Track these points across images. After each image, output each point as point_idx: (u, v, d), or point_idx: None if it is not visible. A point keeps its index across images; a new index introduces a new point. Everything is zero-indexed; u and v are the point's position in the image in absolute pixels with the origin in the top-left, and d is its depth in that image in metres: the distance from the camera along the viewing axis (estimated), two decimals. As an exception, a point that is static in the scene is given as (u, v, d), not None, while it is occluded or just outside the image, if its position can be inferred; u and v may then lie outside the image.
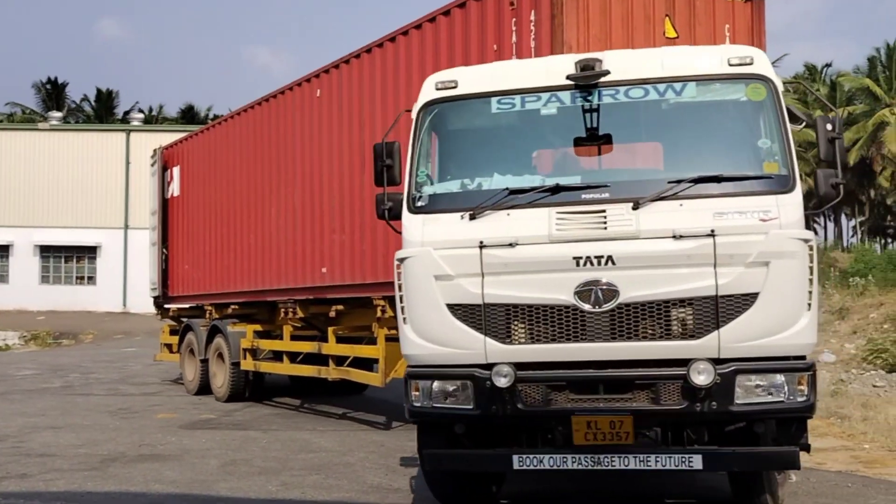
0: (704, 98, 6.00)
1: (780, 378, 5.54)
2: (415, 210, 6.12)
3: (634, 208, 5.65)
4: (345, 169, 11.25)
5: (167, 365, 20.57)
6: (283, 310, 12.19)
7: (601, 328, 5.60)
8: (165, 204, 16.06)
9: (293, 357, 12.35)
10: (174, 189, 15.72)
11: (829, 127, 5.85)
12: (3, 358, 25.45)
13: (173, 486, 8.21)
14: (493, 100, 6.21)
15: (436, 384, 5.91)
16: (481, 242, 5.78)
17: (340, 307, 11.44)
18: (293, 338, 12.34)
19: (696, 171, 5.74)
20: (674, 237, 5.56)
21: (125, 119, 53.85)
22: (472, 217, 5.88)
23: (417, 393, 5.98)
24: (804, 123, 6.00)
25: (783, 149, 5.76)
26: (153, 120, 58.73)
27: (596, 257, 5.61)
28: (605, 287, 5.59)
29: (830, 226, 69.00)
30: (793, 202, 5.63)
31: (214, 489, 8.05)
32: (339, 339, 11.76)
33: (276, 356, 12.85)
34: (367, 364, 11.63)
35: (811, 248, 5.58)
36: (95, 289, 42.07)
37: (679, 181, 5.66)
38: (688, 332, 5.54)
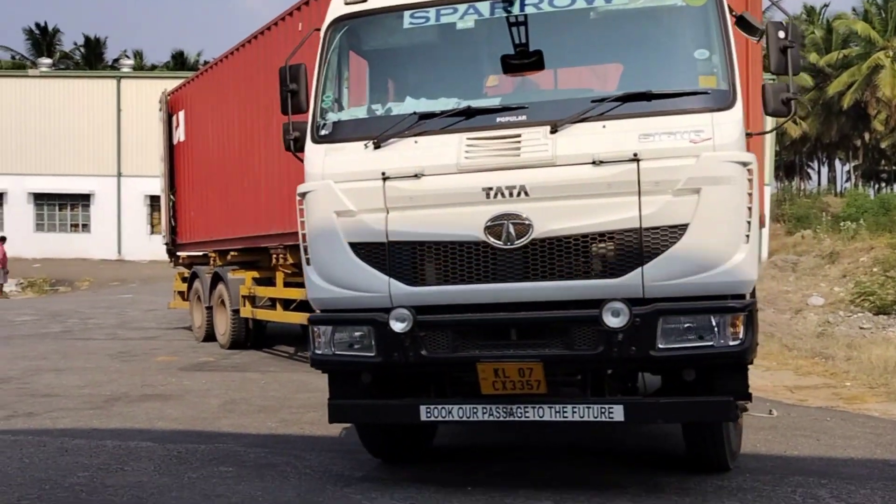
0: (637, 5, 5.41)
1: (709, 319, 4.97)
2: (318, 139, 5.61)
3: (552, 132, 5.12)
4: None
5: (164, 311, 20.84)
6: (274, 255, 12.02)
7: (513, 267, 5.14)
8: (172, 150, 16.02)
9: (287, 304, 12.14)
10: (180, 135, 15.61)
11: (780, 34, 5.18)
12: (2, 304, 25.65)
13: (176, 423, 8.48)
14: (406, 14, 5.66)
15: (338, 331, 5.53)
16: (384, 174, 5.30)
17: None
18: (287, 284, 12.22)
19: (625, 88, 5.22)
20: (593, 163, 5.02)
21: (114, 66, 53.40)
22: (377, 146, 5.38)
23: (320, 340, 5.61)
24: (761, 34, 5.33)
25: (724, 61, 5.14)
26: (142, 66, 58.22)
27: (507, 188, 5.11)
28: (517, 221, 5.09)
29: (824, 170, 69.08)
30: (731, 120, 5.03)
31: (216, 426, 8.31)
32: None
33: (273, 303, 12.81)
34: None
35: (750, 173, 5.03)
36: (90, 236, 42.14)
37: (602, 100, 5.14)
38: (608, 271, 5.05)
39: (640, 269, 5.00)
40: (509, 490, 5.79)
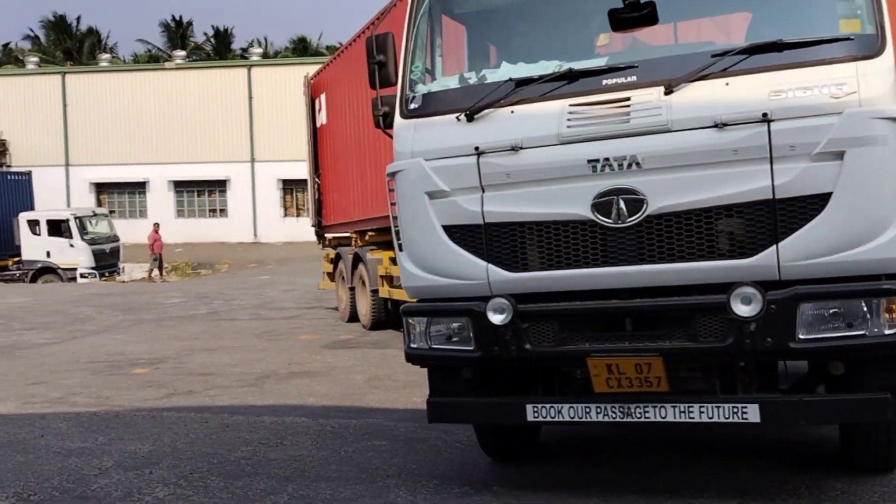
0: None
1: (859, 304, 4.33)
2: (407, 114, 5.12)
3: (667, 93, 4.52)
4: None
5: (301, 291, 21.59)
6: None
7: (625, 248, 4.59)
8: (315, 133, 16.41)
9: None
10: (322, 118, 15.94)
11: None
12: (150, 288, 27.08)
13: (326, 398, 8.80)
14: None
15: (434, 323, 5.09)
16: (477, 148, 4.81)
17: None
18: None
19: (753, 39, 4.58)
20: (715, 126, 4.40)
21: (244, 55, 55.17)
22: (469, 118, 4.86)
23: (415, 333, 5.16)
24: None
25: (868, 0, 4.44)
26: (267, 54, 59.94)
27: (616, 159, 4.54)
28: (628, 196, 4.54)
29: None
30: (880, 69, 4.34)
31: (364, 401, 8.58)
32: None
33: None
34: None
35: None
36: (227, 220, 43.95)
37: (724, 53, 4.49)
38: (737, 250, 4.44)
39: (774, 247, 4.37)
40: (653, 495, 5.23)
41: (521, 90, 4.81)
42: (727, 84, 4.47)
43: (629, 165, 4.54)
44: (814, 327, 4.37)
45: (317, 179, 16.44)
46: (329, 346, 12.69)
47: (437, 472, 5.85)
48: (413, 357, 5.27)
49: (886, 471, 5.31)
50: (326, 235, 16.71)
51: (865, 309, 4.33)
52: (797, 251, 4.35)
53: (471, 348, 4.96)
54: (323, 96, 15.81)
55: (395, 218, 5.16)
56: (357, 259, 14.01)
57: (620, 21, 4.75)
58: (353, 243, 14.55)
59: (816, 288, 4.38)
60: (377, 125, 5.26)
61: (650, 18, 4.71)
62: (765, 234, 4.40)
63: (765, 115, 4.34)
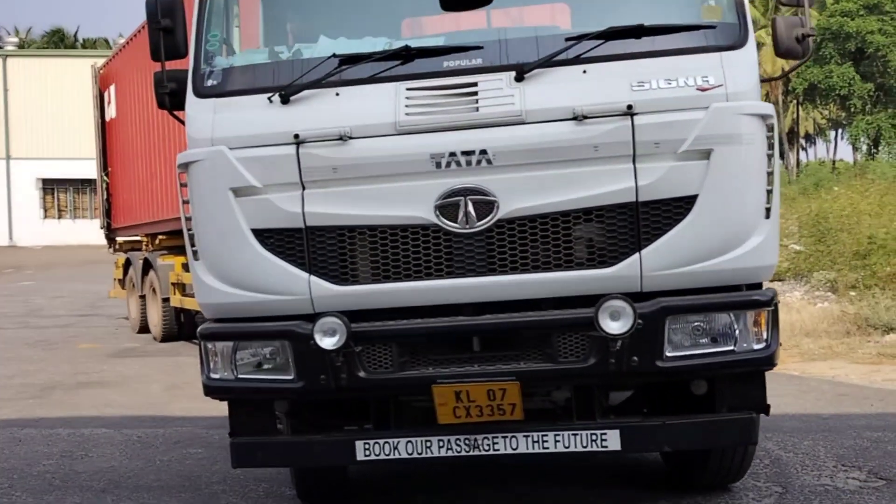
0: None
1: (728, 318, 4.04)
2: (203, 92, 4.27)
3: (518, 79, 4.02)
4: None
5: (71, 297, 20.33)
6: None
7: (473, 257, 4.04)
8: (104, 128, 15.45)
9: None
10: (112, 111, 15.03)
11: None
12: None
13: (125, 409, 8.41)
14: None
15: (240, 349, 4.25)
16: (297, 136, 4.07)
17: None
18: None
19: (609, 22, 4.10)
20: (574, 119, 3.95)
21: (-2, 44, 51.09)
22: (285, 100, 4.12)
23: (217, 360, 4.27)
24: None
25: None
26: (24, 45, 55.89)
27: (464, 153, 3.99)
28: (477, 197, 3.99)
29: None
30: (745, 61, 4.05)
31: (168, 410, 8.28)
32: None
33: None
34: None
35: (771, 129, 4.04)
36: (-23, 222, 40.45)
37: (580, 37, 4.05)
38: (596, 259, 4.03)
39: (636, 255, 3.98)
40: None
41: (347, 69, 4.13)
42: (584, 72, 4.04)
43: (478, 162, 4.00)
44: (681, 344, 4.03)
45: (106, 178, 15.52)
46: (115, 354, 12.10)
47: (263, 476, 5.77)
48: (214, 390, 4.35)
49: (722, 486, 5.09)
50: (117, 239, 15.78)
51: (734, 322, 4.04)
52: (660, 260, 3.98)
53: (290, 377, 4.19)
54: (112, 88, 14.96)
55: (188, 219, 4.28)
56: (147, 265, 13.29)
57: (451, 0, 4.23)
58: (144, 248, 13.91)
59: (684, 300, 4.02)
60: (161, 105, 4.42)
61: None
62: (627, 241, 4.00)
63: (630, 107, 3.94)
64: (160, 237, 12.99)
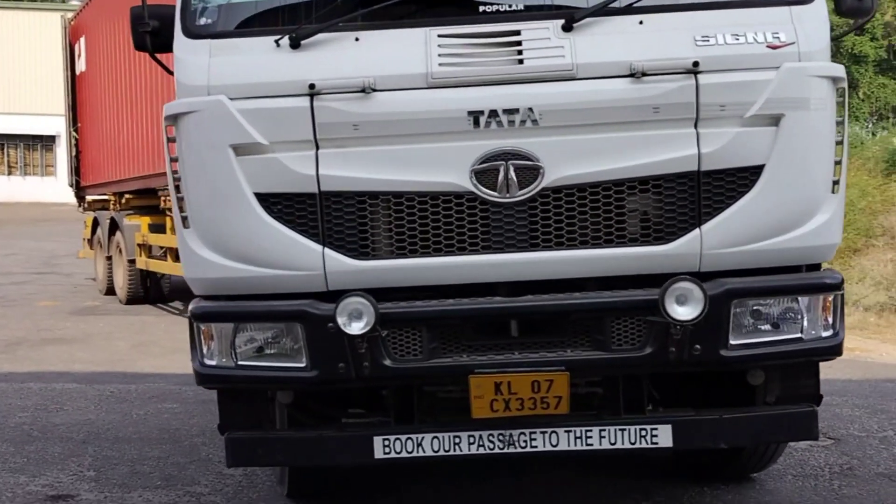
0: None
1: (794, 302, 3.70)
2: (195, 32, 3.73)
3: (567, 28, 3.57)
4: None
5: (25, 254, 20.08)
6: (162, 198, 10.92)
7: (514, 230, 3.60)
8: (74, 82, 15.06)
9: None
10: (82, 64, 14.63)
11: None
12: None
13: (93, 365, 8.45)
14: None
15: (242, 331, 3.70)
16: (312, 86, 3.55)
17: None
18: None
19: None
20: (632, 76, 3.53)
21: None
22: (296, 43, 3.60)
23: (212, 344, 3.71)
24: None
25: None
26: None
27: (506, 111, 3.53)
28: (520, 161, 3.54)
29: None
30: (816, 17, 3.65)
31: (136, 367, 8.34)
32: None
33: (166, 254, 11.70)
34: None
35: (842, 94, 3.67)
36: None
37: None
38: (651, 234, 3.63)
39: (696, 231, 3.60)
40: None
41: (367, 10, 3.66)
42: (640, 23, 3.61)
43: (522, 121, 3.53)
44: (745, 331, 3.66)
45: (75, 134, 15.15)
46: (76, 312, 12.05)
47: (241, 431, 5.94)
48: (208, 379, 3.78)
49: (745, 477, 4.85)
50: (86, 198, 15.31)
51: (801, 307, 3.70)
52: (721, 237, 3.61)
53: (301, 365, 3.66)
54: (83, 40, 14.55)
55: (177, 181, 3.74)
56: (114, 225, 12.96)
57: None
58: (112, 207, 13.54)
59: (751, 282, 3.66)
60: (140, 46, 3.90)
61: None
62: (686, 214, 3.60)
63: (696, 63, 3.52)
64: (127, 196, 12.73)
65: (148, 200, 12.11)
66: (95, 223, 14.23)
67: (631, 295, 3.63)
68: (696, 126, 3.58)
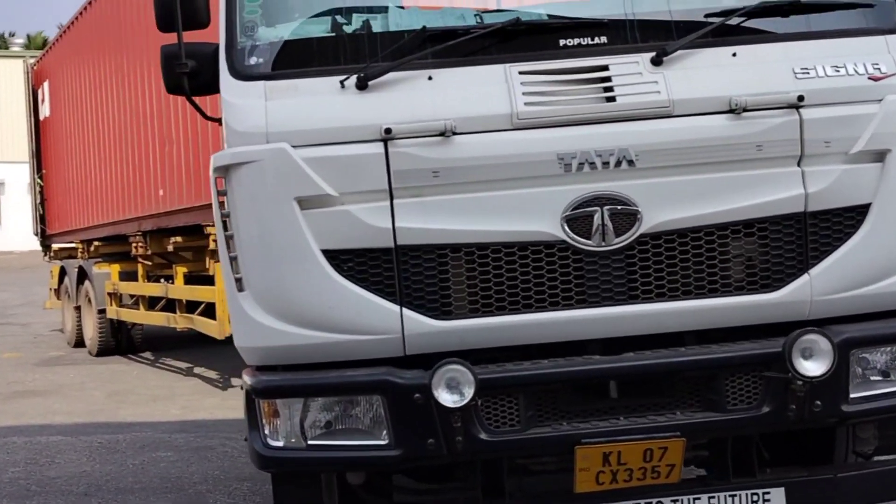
0: None
1: None
2: (245, 73, 3.45)
3: (657, 62, 3.37)
4: None
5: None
6: (133, 244, 10.71)
7: (610, 281, 3.35)
8: (38, 128, 14.81)
9: (154, 302, 10.65)
10: (45, 110, 14.43)
11: None
12: None
13: (73, 416, 8.31)
14: None
15: (312, 405, 3.39)
16: (388, 130, 3.28)
17: (179, 239, 9.55)
18: (150, 278, 10.83)
19: None
20: (732, 111, 3.33)
21: None
22: (363, 84, 3.34)
23: (277, 422, 3.40)
24: None
25: None
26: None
27: (599, 153, 3.30)
28: (616, 207, 3.31)
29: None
30: None
31: (118, 416, 8.23)
32: (193, 280, 9.81)
33: (137, 302, 11.25)
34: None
35: None
36: None
37: (727, 12, 3.45)
38: (758, 281, 3.40)
39: (806, 276, 3.40)
40: None
41: (438, 46, 3.39)
42: (734, 55, 3.43)
43: (617, 163, 3.30)
44: (863, 382, 3.45)
45: (39, 181, 14.88)
46: (43, 363, 11.85)
47: (244, 475, 5.86)
48: (277, 463, 3.45)
49: None
50: (52, 246, 14.98)
51: None
52: (831, 282, 3.40)
53: (383, 443, 3.33)
54: (46, 85, 14.38)
55: (229, 238, 3.43)
56: (83, 273, 12.52)
57: None
58: (80, 255, 13.20)
59: (869, 329, 3.45)
60: (174, 89, 3.62)
61: None
62: (794, 259, 3.41)
63: (801, 98, 3.33)
64: (96, 243, 12.38)
65: (118, 247, 11.80)
66: (63, 272, 13.84)
67: (749, 349, 3.38)
68: (799, 164, 3.38)
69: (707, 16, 3.48)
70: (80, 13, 12.58)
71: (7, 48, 46.90)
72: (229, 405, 8.46)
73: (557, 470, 3.53)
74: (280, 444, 3.39)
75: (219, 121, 3.67)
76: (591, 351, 3.42)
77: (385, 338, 3.33)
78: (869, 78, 3.40)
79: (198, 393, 9.25)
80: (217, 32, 3.57)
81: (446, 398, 3.17)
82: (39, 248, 15.72)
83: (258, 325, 3.40)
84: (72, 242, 13.85)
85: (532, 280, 3.33)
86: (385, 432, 3.31)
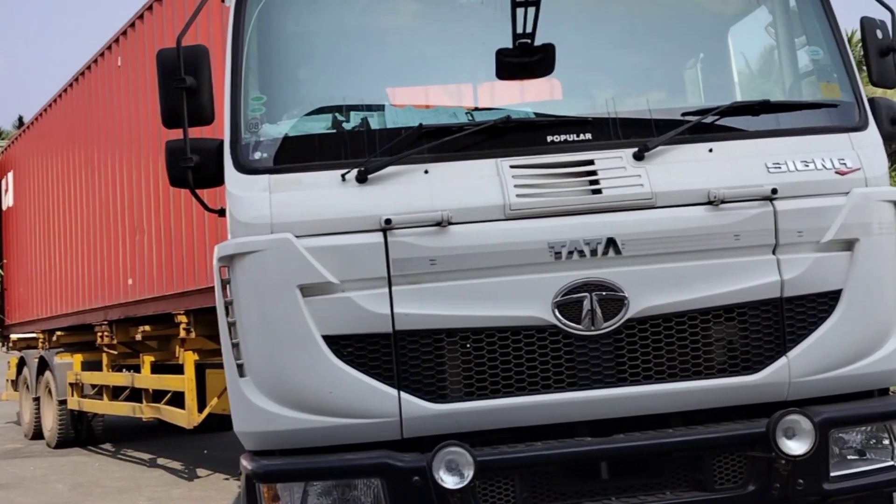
0: None
1: (884, 429, 3.69)
2: (250, 167, 3.65)
3: (639, 157, 3.62)
4: (143, 150, 9.27)
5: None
6: (98, 334, 10.79)
7: (600, 364, 3.54)
8: (0, 218, 14.79)
9: (118, 392, 10.67)
10: (9, 200, 14.44)
11: (878, 34, 4.01)
12: None
13: (38, 510, 8.23)
14: None
15: (312, 489, 3.49)
16: (388, 220, 3.49)
17: (147, 328, 9.61)
18: (115, 368, 10.83)
19: (726, 96, 3.97)
20: (710, 203, 3.57)
21: None
22: (362, 178, 3.56)
23: None
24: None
25: (842, 62, 3.90)
26: None
27: (587, 242, 3.51)
28: (604, 293, 3.51)
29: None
30: (874, 143, 3.80)
31: (84, 509, 8.17)
32: (161, 369, 9.79)
33: (101, 392, 11.21)
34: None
35: None
36: None
37: (703, 111, 3.75)
38: (739, 363, 3.61)
39: (784, 359, 3.61)
40: None
41: (432, 142, 3.63)
42: (710, 150, 3.70)
43: (605, 251, 3.52)
44: (843, 462, 3.63)
45: (0, 271, 14.83)
46: (0, 456, 11.64)
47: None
48: None
49: None
50: (11, 336, 14.79)
51: (893, 433, 3.70)
52: (807, 364, 3.62)
53: None
54: (10, 176, 14.46)
55: (231, 325, 3.60)
56: (43, 364, 12.41)
57: (514, 67, 3.81)
58: (41, 345, 13.07)
59: (845, 410, 3.65)
60: (178, 182, 3.80)
61: (546, 66, 3.81)
62: (772, 342, 3.62)
63: (774, 190, 3.61)
64: (58, 333, 12.35)
65: (81, 336, 11.80)
66: (22, 362, 13.70)
67: (734, 430, 3.55)
68: (774, 252, 3.64)
69: (684, 114, 3.79)
70: (49, 106, 12.80)
71: (-35, 139, 46.78)
72: (196, 496, 8.38)
73: None
74: None
75: (219, 212, 3.91)
76: (581, 433, 3.59)
77: (383, 421, 3.49)
78: (836, 172, 3.70)
79: (164, 484, 9.12)
80: (218, 128, 3.82)
81: (447, 480, 3.31)
82: (-3, 339, 15.59)
83: (259, 410, 3.55)
84: (32, 332, 13.71)
85: (525, 363, 3.53)
86: None
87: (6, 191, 14.75)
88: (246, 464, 3.60)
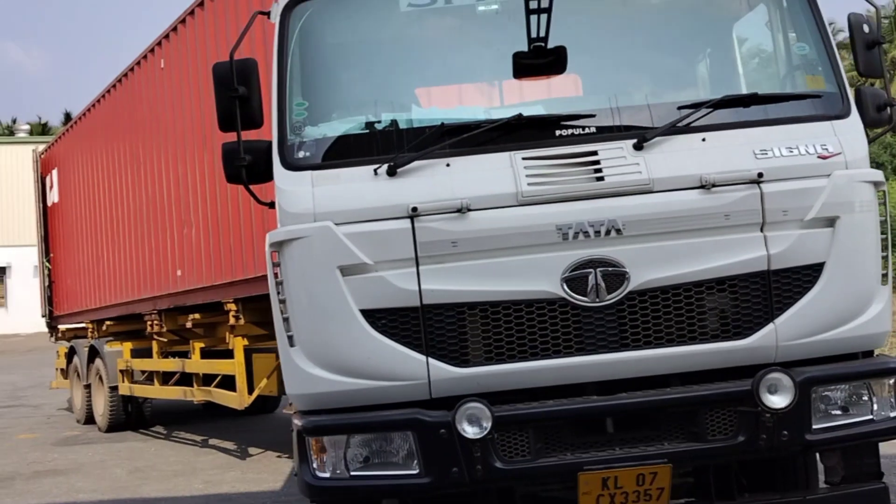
0: None
1: (865, 387, 4.10)
2: (295, 164, 4.18)
3: (638, 147, 4.04)
4: (189, 147, 9.67)
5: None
6: (148, 322, 11.16)
7: (604, 332, 3.99)
8: (46, 213, 15.24)
9: (168, 378, 11.09)
10: (54, 196, 14.84)
11: (865, 29, 4.40)
12: None
13: (98, 494, 8.43)
14: None
15: (354, 441, 4.03)
16: (414, 209, 3.98)
17: (197, 316, 10.02)
18: (164, 355, 11.23)
19: (718, 90, 4.41)
20: (702, 187, 3.99)
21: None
22: (392, 171, 4.04)
23: (324, 457, 4.04)
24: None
25: (826, 56, 4.30)
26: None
27: (592, 224, 3.96)
28: (607, 269, 3.96)
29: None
30: (855, 130, 4.19)
31: (143, 492, 8.35)
32: (209, 354, 10.24)
33: (150, 377, 11.68)
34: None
35: (883, 196, 4.18)
36: None
37: (696, 105, 4.13)
38: (731, 329, 4.04)
39: (771, 325, 4.03)
40: None
41: (454, 138, 4.09)
42: (703, 140, 4.10)
43: (607, 232, 3.96)
44: (825, 416, 4.05)
45: (47, 264, 15.21)
46: (59, 443, 11.95)
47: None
48: (322, 492, 4.06)
49: None
50: (59, 327, 15.31)
51: (871, 391, 4.10)
52: (793, 329, 4.04)
53: (414, 472, 3.96)
54: (55, 172, 14.83)
55: (282, 302, 4.13)
56: (94, 352, 12.88)
57: (527, 67, 4.26)
58: (90, 335, 13.48)
59: (828, 370, 4.07)
60: (234, 179, 4.36)
61: (558, 65, 4.24)
62: (760, 310, 4.04)
63: (760, 175, 4.01)
64: (107, 323, 12.69)
65: (130, 326, 12.17)
66: (71, 352, 14.13)
67: (724, 387, 4.00)
68: (762, 230, 4.05)
69: (679, 108, 4.18)
70: (93, 105, 13.09)
71: (13, 135, 47.76)
72: (250, 478, 8.65)
73: (561, 496, 4.15)
74: (327, 475, 4.06)
75: (269, 204, 4.42)
76: (589, 392, 4.06)
77: (413, 383, 4.01)
78: (819, 157, 4.10)
79: (217, 467, 9.40)
80: (266, 130, 4.32)
81: (469, 430, 3.84)
82: (44, 330, 16.07)
83: (308, 375, 4.10)
84: (81, 322, 14.13)
85: (537, 332, 4.01)
86: (416, 463, 3.97)
87: (51, 187, 15.09)
88: (297, 421, 4.14)
